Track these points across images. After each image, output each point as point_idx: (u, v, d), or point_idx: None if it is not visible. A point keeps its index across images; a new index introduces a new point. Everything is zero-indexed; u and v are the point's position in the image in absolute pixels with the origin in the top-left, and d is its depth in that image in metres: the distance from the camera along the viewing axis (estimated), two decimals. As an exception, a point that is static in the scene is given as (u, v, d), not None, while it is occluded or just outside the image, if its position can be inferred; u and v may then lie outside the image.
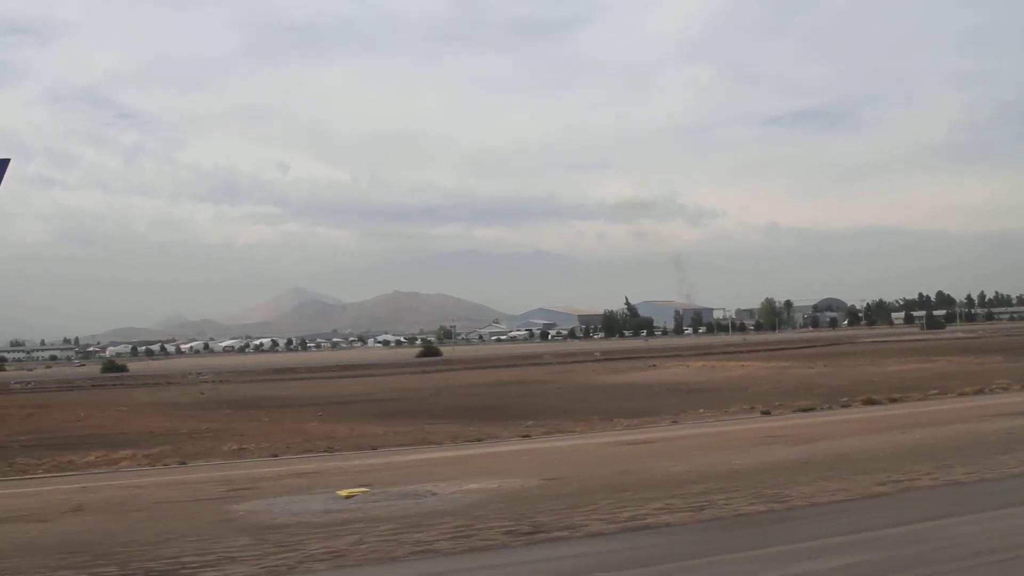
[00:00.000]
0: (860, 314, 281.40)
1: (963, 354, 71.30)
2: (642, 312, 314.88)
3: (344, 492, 15.19)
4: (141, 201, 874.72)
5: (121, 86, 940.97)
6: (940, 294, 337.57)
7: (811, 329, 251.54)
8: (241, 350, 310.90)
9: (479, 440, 29.60)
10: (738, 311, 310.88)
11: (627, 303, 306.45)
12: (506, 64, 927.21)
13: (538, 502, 13.89)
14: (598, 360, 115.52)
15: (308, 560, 10.90)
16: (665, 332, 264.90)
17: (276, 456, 27.55)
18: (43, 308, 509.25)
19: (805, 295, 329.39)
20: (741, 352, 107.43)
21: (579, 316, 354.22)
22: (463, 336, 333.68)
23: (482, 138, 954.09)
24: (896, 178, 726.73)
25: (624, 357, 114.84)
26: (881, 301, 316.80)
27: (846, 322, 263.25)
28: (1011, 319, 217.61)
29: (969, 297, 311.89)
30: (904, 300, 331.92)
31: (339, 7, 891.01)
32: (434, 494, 15.49)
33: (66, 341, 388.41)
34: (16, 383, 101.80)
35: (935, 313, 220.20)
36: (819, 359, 73.23)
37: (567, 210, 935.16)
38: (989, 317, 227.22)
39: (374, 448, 28.88)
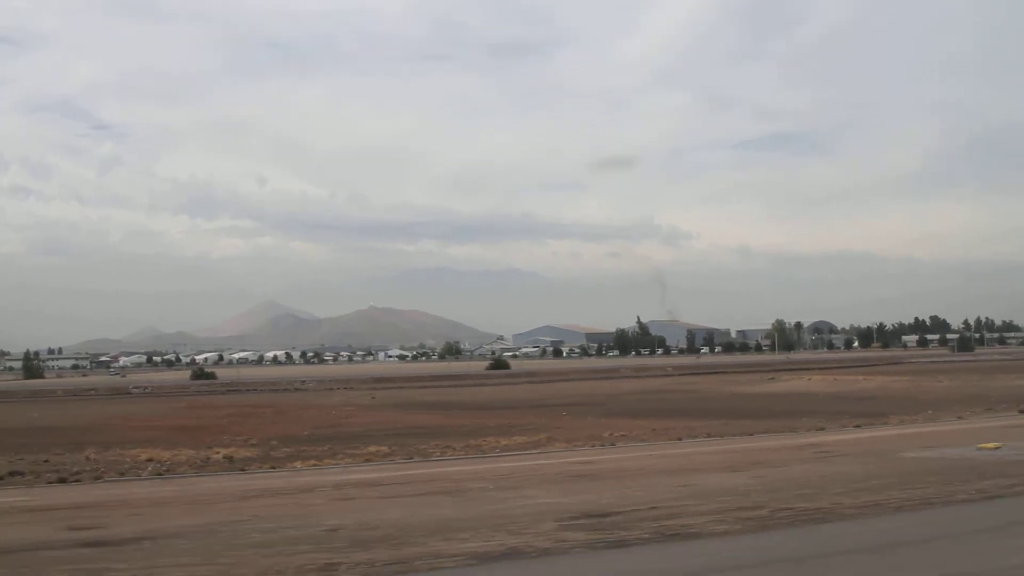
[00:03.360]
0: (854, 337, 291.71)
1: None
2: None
3: (989, 445, 21.37)
4: (116, 212, 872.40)
5: (98, 97, 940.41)
6: (935, 319, 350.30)
7: (826, 350, 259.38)
8: (257, 362, 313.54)
9: (792, 431, 35.16)
10: (717, 332, 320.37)
11: (638, 322, 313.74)
12: (484, 85, 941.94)
13: None
14: (672, 375, 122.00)
15: None
16: (681, 351, 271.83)
17: (680, 440, 33.51)
18: (14, 317, 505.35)
19: (783, 316, 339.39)
20: (812, 369, 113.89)
21: (586, 334, 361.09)
22: (470, 352, 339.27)
23: (459, 157, 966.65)
24: (868, 204, 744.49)
25: (695, 372, 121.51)
26: (881, 325, 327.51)
27: (856, 344, 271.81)
28: (1021, 344, 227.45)
29: (966, 322, 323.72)
30: (899, 324, 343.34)
31: (319, 25, 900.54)
32: None
33: (50, 351, 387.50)
34: (134, 388, 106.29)
35: (948, 336, 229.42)
36: (934, 375, 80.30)
37: (542, 229, 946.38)
38: (1001, 342, 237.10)
39: (715, 436, 34.64)
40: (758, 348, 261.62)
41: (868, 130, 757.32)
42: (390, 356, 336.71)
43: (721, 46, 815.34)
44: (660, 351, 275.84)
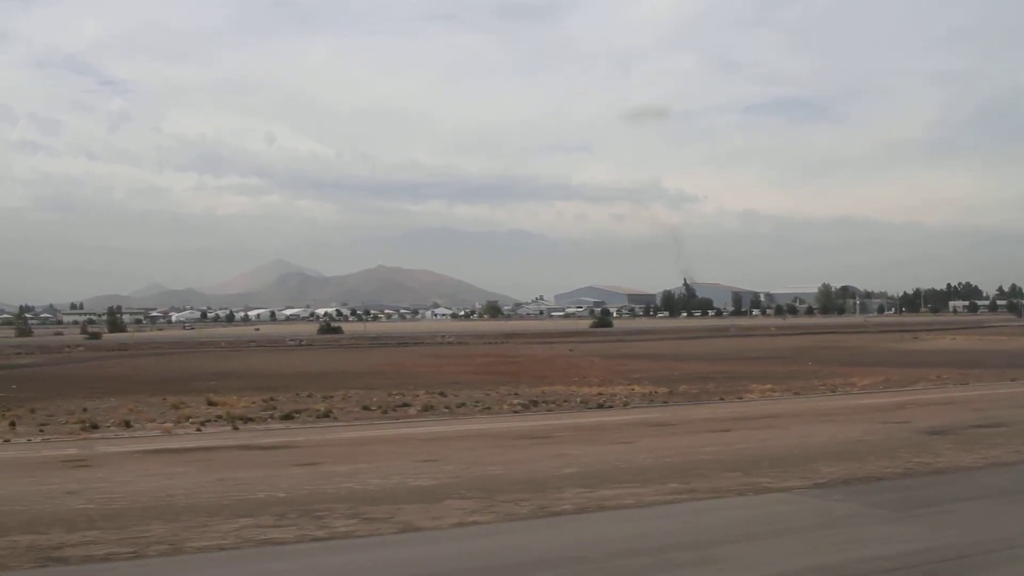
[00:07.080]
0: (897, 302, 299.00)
1: None
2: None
3: None
4: (124, 168, 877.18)
5: (106, 53, 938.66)
6: (967, 285, 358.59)
7: (876, 314, 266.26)
8: (308, 318, 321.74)
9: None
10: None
11: (685, 283, 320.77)
12: (492, 45, 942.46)
13: None
14: (775, 335, 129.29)
15: None
16: (731, 313, 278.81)
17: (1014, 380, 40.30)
18: (20, 272, 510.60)
19: (790, 279, 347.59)
20: (928, 331, 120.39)
21: (628, 295, 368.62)
22: (512, 311, 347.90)
23: (466, 118, 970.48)
24: (873, 171, 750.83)
25: (801, 333, 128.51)
26: (918, 290, 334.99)
27: (903, 308, 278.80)
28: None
29: (1000, 289, 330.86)
30: (931, 289, 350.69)
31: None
32: None
33: (73, 306, 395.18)
34: (290, 340, 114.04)
35: (998, 302, 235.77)
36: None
37: (549, 191, 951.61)
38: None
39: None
40: (809, 311, 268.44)
41: (874, 97, 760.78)
42: (436, 314, 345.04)
43: (731, 11, 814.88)
44: (712, 312, 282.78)
